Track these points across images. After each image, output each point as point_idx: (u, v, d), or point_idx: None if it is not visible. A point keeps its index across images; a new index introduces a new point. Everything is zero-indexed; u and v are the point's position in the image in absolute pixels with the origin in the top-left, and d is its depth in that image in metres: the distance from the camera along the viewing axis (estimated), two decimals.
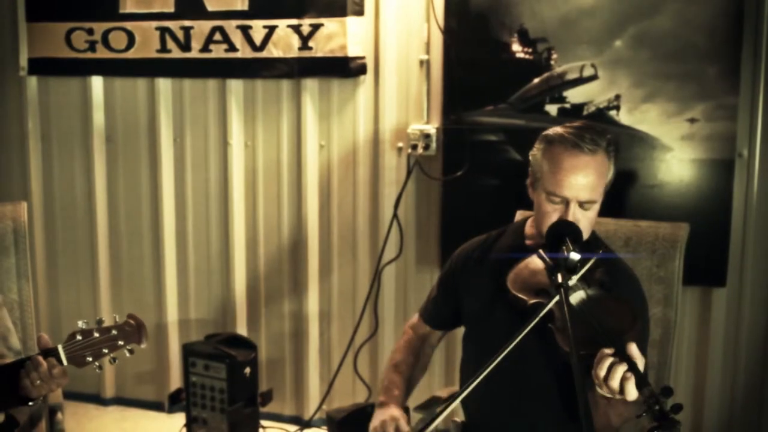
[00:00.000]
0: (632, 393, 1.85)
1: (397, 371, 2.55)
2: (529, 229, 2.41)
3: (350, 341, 3.98)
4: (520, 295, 2.20)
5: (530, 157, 2.33)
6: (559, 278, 1.98)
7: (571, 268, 2.03)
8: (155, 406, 4.38)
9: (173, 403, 4.08)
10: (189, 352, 3.78)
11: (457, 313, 2.51)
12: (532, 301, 2.16)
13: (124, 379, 4.44)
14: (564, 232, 2.12)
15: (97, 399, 4.44)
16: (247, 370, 3.72)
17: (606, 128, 2.34)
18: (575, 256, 2.03)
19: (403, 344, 2.63)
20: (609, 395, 1.91)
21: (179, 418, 4.00)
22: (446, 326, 2.63)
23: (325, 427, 3.91)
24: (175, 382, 4.29)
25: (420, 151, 3.74)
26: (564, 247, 2.06)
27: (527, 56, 3.55)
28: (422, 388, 3.74)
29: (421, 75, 3.76)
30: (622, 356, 1.88)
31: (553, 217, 2.22)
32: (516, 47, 3.55)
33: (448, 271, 2.56)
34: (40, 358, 2.17)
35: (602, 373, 1.89)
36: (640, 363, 1.91)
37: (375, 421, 2.35)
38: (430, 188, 3.81)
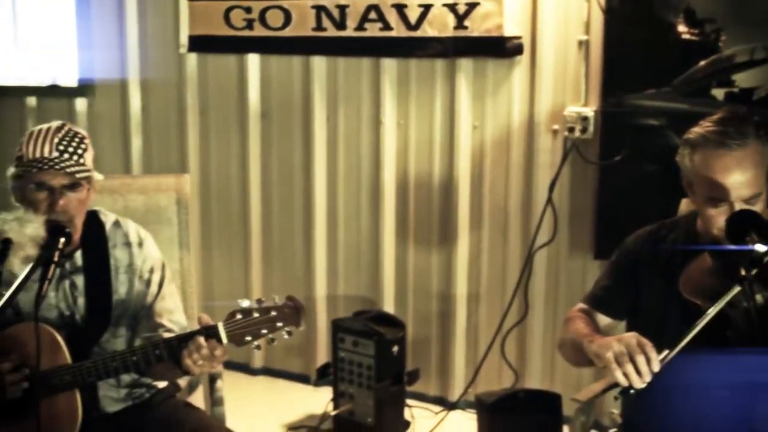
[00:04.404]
0: None
1: (586, 330, 2.30)
2: (700, 226, 2.30)
3: (499, 325, 3.94)
4: (694, 300, 2.11)
5: (678, 162, 2.24)
6: (742, 272, 1.89)
7: (756, 262, 1.93)
8: (302, 378, 4.47)
9: (321, 377, 4.14)
10: (338, 327, 3.81)
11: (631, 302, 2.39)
12: (707, 306, 2.03)
13: (273, 351, 4.53)
14: (746, 222, 2.02)
15: (246, 368, 4.55)
16: (395, 348, 3.74)
17: (748, 112, 2.19)
18: (761, 247, 1.93)
19: (575, 319, 2.41)
20: None
21: (326, 392, 4.06)
22: (619, 314, 2.47)
23: (470, 410, 3.89)
24: (322, 356, 4.35)
25: (577, 134, 3.65)
26: (748, 239, 1.96)
27: (693, 37, 3.40)
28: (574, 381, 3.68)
29: (580, 56, 3.67)
30: None
31: (720, 221, 2.12)
32: (681, 28, 3.41)
33: (623, 259, 2.44)
34: (202, 340, 2.21)
35: None
36: None
37: (607, 342, 2.04)
38: (587, 173, 3.72)
